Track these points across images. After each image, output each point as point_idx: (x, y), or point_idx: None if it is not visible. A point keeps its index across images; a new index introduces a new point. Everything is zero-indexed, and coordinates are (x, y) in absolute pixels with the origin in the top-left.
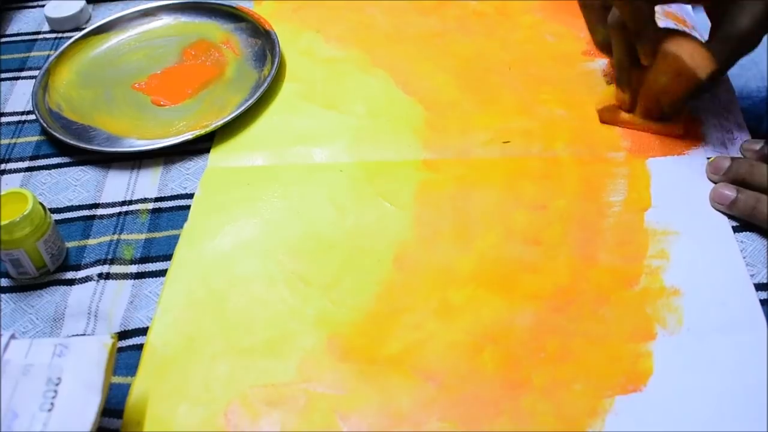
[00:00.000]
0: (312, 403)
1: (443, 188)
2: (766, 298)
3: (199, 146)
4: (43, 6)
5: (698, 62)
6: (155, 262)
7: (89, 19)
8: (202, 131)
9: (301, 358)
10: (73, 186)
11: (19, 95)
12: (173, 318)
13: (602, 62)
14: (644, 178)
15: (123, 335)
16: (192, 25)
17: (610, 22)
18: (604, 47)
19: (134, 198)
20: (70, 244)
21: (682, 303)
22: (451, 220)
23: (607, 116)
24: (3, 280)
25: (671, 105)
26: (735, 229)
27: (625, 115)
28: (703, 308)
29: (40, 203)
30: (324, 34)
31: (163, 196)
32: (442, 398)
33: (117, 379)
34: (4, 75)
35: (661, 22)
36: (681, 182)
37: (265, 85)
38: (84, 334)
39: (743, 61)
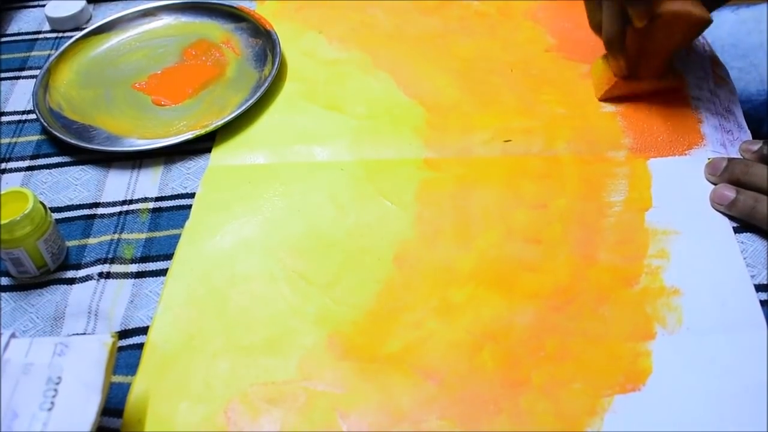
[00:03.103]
0: (312, 401)
1: (444, 187)
2: (766, 299)
3: (199, 146)
4: (43, 6)
5: (696, 10)
6: (155, 261)
7: (90, 19)
8: (203, 131)
9: (302, 356)
10: (73, 185)
11: (20, 95)
12: (174, 316)
13: None
14: (645, 178)
15: (123, 334)
16: (192, 25)
17: None
18: (599, 28)
19: (135, 197)
20: (70, 243)
21: (681, 303)
22: (452, 219)
23: (610, 95)
24: (3, 279)
25: (671, 58)
26: (736, 230)
27: (629, 85)
28: (702, 308)
29: (41, 202)
30: (326, 35)
31: (163, 195)
32: (442, 397)
33: (117, 379)
34: (4, 74)
35: None
36: (682, 183)
37: (266, 84)
38: (84, 333)
39: (743, 64)
